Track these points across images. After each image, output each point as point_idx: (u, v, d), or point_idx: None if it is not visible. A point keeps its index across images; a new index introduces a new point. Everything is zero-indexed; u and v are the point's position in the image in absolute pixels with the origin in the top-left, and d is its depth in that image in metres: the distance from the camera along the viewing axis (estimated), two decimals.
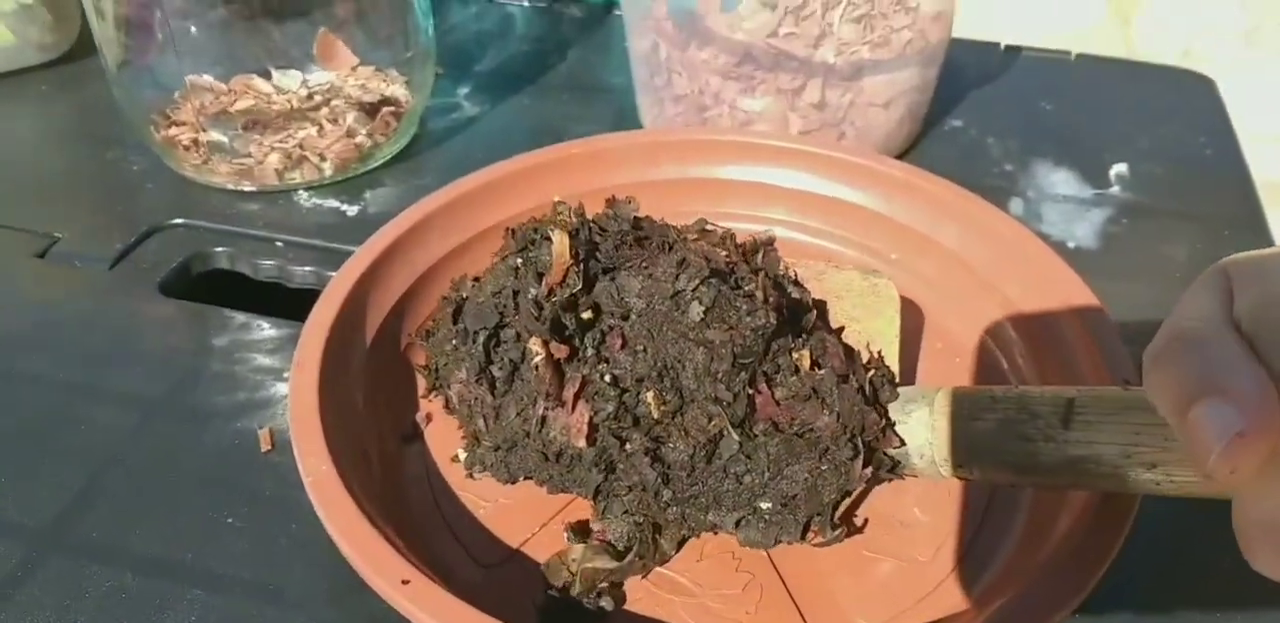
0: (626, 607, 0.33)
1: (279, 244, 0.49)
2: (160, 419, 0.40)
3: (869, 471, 0.33)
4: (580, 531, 0.35)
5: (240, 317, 0.44)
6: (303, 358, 0.35)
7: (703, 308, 0.32)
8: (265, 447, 0.38)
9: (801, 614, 0.33)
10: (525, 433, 0.34)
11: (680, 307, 0.33)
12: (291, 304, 0.46)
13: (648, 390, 0.32)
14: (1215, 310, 0.23)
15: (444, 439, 0.38)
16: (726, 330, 0.32)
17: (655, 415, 0.32)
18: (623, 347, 0.33)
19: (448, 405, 0.37)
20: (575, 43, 0.69)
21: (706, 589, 0.34)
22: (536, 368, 0.33)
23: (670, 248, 0.36)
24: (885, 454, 0.33)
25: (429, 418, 0.39)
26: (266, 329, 0.44)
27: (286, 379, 0.41)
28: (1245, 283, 0.23)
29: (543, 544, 0.35)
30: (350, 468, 0.33)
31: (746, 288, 0.34)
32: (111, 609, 0.33)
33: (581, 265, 0.34)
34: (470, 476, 0.36)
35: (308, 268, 0.48)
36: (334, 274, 0.37)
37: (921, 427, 0.33)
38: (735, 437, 0.32)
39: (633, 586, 0.34)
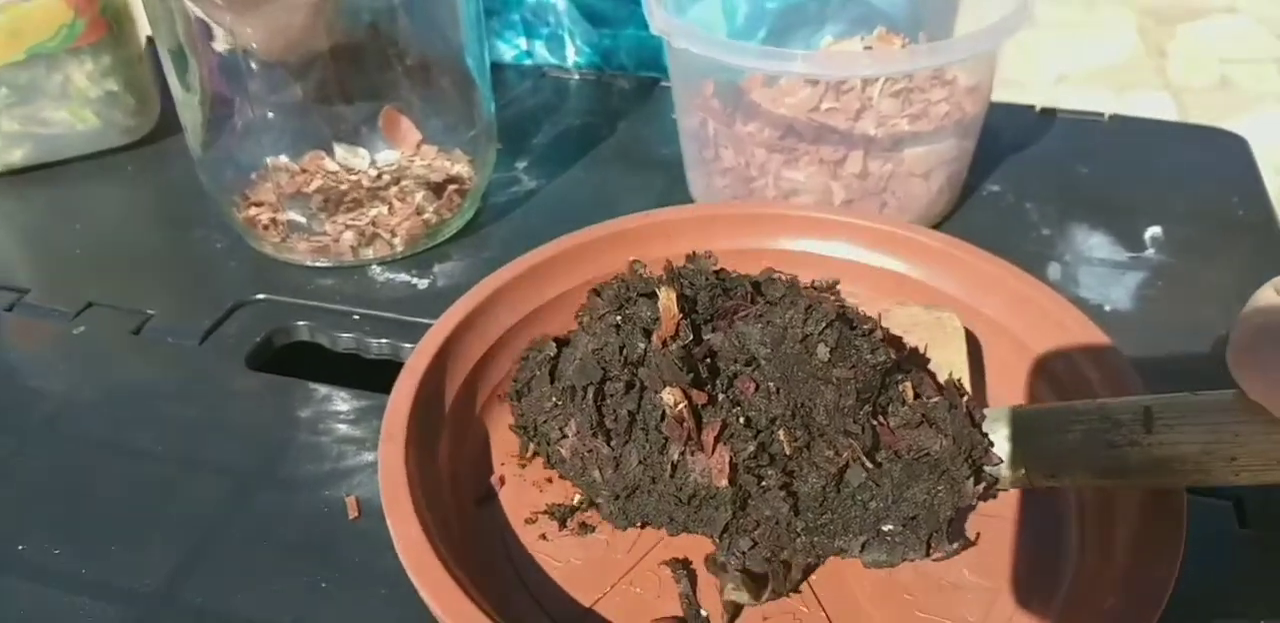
0: None
1: (355, 317, 0.52)
2: (254, 489, 0.42)
3: (980, 487, 0.36)
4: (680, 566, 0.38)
5: (322, 389, 0.47)
6: (390, 430, 0.38)
7: (828, 349, 0.35)
8: (352, 514, 0.41)
9: None
10: (651, 479, 0.36)
11: (809, 349, 0.36)
12: (368, 373, 0.49)
13: (779, 429, 0.35)
14: None
15: (516, 500, 0.41)
16: (850, 368, 0.35)
17: (788, 452, 0.35)
18: (755, 390, 0.36)
19: (548, 462, 0.40)
20: (625, 114, 0.72)
21: None
22: (680, 415, 0.35)
23: (753, 298, 0.39)
24: (986, 471, 0.36)
25: (502, 481, 0.42)
26: (346, 401, 0.47)
27: (368, 448, 0.44)
28: None
29: (614, 604, 0.37)
30: (436, 533, 0.35)
31: (864, 327, 0.37)
32: None
33: (687, 319, 0.37)
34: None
35: (383, 340, 0.51)
36: (410, 346, 0.40)
37: (1010, 443, 0.36)
38: (865, 465, 0.35)
39: None
